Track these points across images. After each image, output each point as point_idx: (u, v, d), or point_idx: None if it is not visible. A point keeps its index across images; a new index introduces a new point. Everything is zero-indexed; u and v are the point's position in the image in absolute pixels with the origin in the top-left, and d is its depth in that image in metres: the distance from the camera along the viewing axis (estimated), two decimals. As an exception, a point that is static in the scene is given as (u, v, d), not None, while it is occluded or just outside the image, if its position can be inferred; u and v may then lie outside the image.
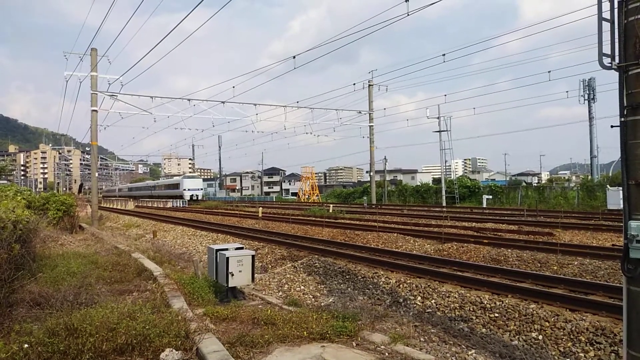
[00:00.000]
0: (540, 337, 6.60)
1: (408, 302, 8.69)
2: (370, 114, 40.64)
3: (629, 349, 3.87)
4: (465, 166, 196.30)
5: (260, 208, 31.79)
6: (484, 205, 34.40)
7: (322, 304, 8.95)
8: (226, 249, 8.42)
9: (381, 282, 9.88)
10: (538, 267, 10.75)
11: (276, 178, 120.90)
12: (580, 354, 6.02)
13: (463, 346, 6.45)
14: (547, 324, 6.81)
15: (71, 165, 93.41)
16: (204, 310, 6.96)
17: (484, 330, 7.16)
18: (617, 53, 3.96)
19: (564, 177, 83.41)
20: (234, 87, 36.38)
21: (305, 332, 5.81)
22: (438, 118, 40.97)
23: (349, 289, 9.93)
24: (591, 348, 6.08)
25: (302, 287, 10.43)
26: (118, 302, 6.73)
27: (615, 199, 23.61)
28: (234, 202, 60.69)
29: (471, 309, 7.84)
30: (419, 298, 8.74)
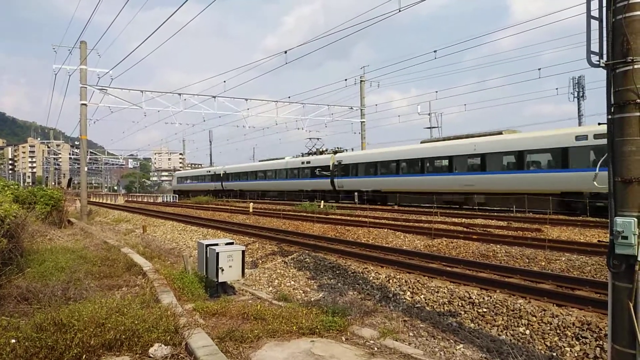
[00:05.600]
0: (528, 331, 6.68)
1: (397, 297, 8.74)
2: (361, 109, 40.64)
3: (614, 343, 3.93)
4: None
5: (251, 203, 31.72)
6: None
7: (312, 299, 8.98)
8: (216, 244, 8.42)
9: (371, 278, 9.93)
10: (526, 263, 10.85)
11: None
12: (567, 349, 6.10)
13: (451, 341, 6.51)
14: (534, 318, 6.89)
15: (60, 160, 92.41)
16: (193, 305, 6.95)
17: (472, 325, 7.23)
18: (605, 51, 4.00)
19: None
20: (224, 81, 36.24)
21: (294, 327, 5.83)
22: (429, 114, 41.18)
23: (339, 284, 9.96)
24: (577, 342, 6.17)
25: (293, 282, 10.45)
26: (107, 297, 6.70)
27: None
28: (224, 197, 60.43)
29: (460, 304, 7.91)
30: (409, 293, 8.79)
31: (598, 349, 5.91)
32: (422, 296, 8.55)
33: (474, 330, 6.97)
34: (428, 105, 42.09)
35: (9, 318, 5.53)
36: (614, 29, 3.89)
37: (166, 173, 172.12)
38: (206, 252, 8.34)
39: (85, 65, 28.57)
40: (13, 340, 4.62)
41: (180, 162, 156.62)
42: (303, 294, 9.57)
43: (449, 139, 27.60)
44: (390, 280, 9.52)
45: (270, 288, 10.12)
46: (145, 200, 58.46)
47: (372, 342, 5.62)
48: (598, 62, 4.00)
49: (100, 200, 61.33)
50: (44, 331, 4.81)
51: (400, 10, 15.49)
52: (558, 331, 6.48)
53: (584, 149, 19.31)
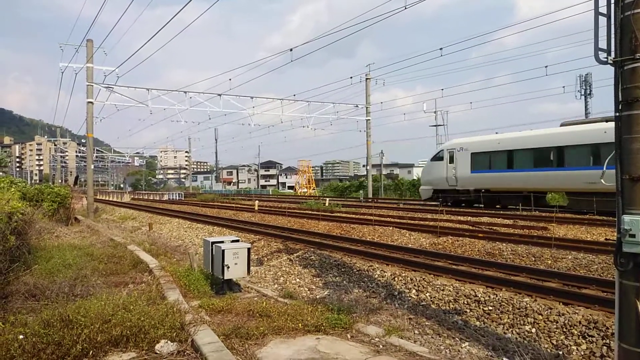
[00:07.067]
0: (534, 330, 6.65)
1: (403, 295, 8.73)
2: (367, 107, 40.55)
3: (621, 342, 3.90)
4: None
5: (257, 201, 31.77)
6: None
7: (318, 296, 8.98)
8: (222, 242, 8.42)
9: (376, 275, 9.92)
10: (532, 261, 10.80)
11: (273, 171, 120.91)
12: (573, 347, 6.07)
13: (457, 339, 6.50)
14: (540, 317, 6.86)
15: (67, 157, 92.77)
16: (199, 302, 6.98)
17: (477, 323, 7.21)
18: (613, 48, 3.96)
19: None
20: (230, 79, 36.37)
21: (300, 324, 5.84)
22: (435, 112, 41.01)
23: (345, 281, 9.96)
24: (583, 341, 6.13)
25: (298, 280, 10.46)
26: (113, 294, 6.75)
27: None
28: (230, 195, 60.56)
29: (465, 302, 7.89)
30: (414, 291, 8.78)
31: (605, 347, 5.88)
32: (427, 294, 8.53)
33: (479, 329, 6.95)
34: (434, 103, 41.99)
35: (17, 314, 5.58)
36: (622, 25, 3.85)
37: (172, 171, 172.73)
38: (212, 249, 8.36)
39: (91, 64, 28.67)
40: (21, 336, 4.66)
41: (186, 160, 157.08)
42: (308, 292, 9.58)
43: None
44: (396, 278, 9.51)
45: (276, 285, 10.14)
46: (152, 198, 58.68)
47: (377, 339, 5.62)
48: (606, 59, 3.97)
49: (107, 198, 61.64)
50: (51, 327, 4.85)
51: (406, 8, 15.46)
52: (564, 330, 6.45)
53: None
